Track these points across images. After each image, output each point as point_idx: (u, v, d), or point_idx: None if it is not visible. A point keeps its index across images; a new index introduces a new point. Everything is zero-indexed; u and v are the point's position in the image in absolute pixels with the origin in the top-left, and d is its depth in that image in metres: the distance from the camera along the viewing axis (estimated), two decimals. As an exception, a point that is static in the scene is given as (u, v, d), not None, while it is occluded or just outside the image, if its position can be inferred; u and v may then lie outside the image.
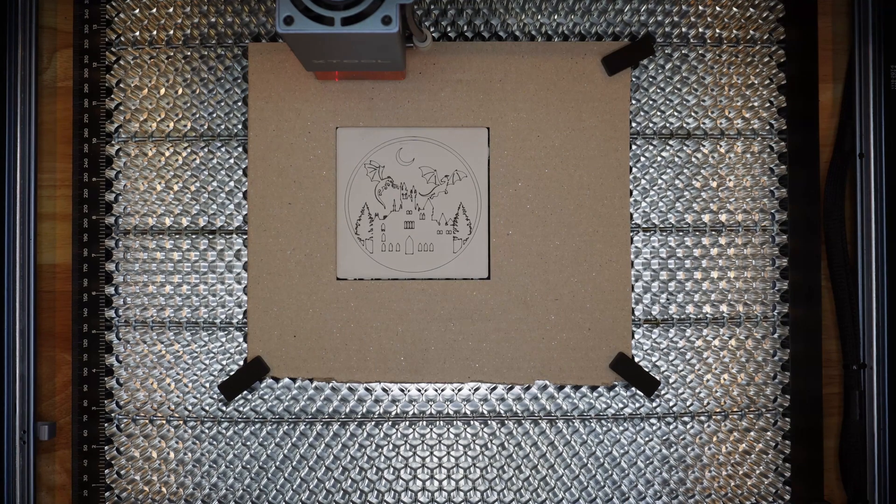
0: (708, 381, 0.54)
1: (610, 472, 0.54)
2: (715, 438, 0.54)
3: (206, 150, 0.55)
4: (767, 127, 0.55)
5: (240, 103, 0.55)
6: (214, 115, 0.55)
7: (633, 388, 0.54)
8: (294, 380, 0.54)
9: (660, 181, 0.55)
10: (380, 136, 0.54)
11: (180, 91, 0.55)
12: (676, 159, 0.55)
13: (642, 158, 0.55)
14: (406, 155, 0.54)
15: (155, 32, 0.55)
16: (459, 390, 0.54)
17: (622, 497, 0.54)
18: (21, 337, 0.54)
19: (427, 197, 0.54)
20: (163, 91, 0.55)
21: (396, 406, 0.54)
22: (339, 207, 0.54)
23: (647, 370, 0.54)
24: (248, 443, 0.54)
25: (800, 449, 0.53)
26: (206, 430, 0.54)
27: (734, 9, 0.54)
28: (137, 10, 0.55)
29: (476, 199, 0.54)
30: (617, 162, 0.54)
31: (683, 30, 0.55)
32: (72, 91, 0.55)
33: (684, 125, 0.55)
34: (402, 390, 0.54)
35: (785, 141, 0.55)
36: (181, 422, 0.54)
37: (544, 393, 0.54)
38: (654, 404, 0.54)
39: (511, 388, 0.54)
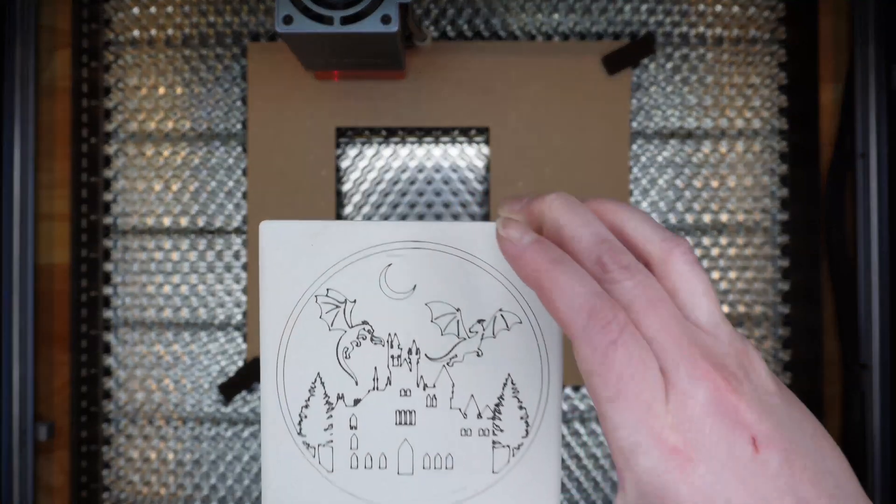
0: (708, 381, 0.54)
1: (609, 472, 0.54)
2: (715, 439, 0.54)
3: (205, 149, 0.55)
4: (768, 127, 0.55)
5: (239, 103, 0.55)
6: (213, 114, 0.55)
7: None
8: (293, 380, 0.54)
9: (660, 181, 0.55)
10: (348, 234, 0.27)
11: (179, 91, 0.55)
12: (677, 159, 0.55)
13: (643, 158, 0.55)
14: (398, 277, 0.27)
15: (154, 32, 0.55)
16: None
17: (622, 498, 0.53)
18: (20, 337, 0.54)
19: (442, 362, 0.27)
20: (161, 91, 0.55)
21: (396, 407, 0.54)
22: (269, 386, 0.27)
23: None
24: (247, 444, 0.54)
25: (800, 449, 0.53)
26: (205, 432, 0.54)
27: (735, 8, 0.54)
28: (136, 10, 0.54)
29: (540, 367, 0.28)
30: (617, 162, 0.54)
31: (684, 29, 0.55)
32: (70, 91, 0.55)
33: (685, 125, 0.55)
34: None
35: (786, 141, 0.55)
36: (180, 423, 0.54)
37: (544, 393, 0.54)
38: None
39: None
